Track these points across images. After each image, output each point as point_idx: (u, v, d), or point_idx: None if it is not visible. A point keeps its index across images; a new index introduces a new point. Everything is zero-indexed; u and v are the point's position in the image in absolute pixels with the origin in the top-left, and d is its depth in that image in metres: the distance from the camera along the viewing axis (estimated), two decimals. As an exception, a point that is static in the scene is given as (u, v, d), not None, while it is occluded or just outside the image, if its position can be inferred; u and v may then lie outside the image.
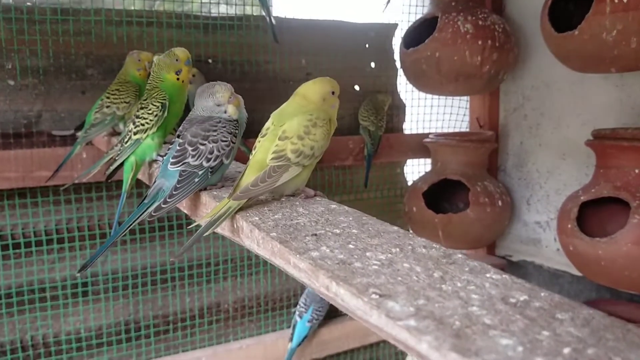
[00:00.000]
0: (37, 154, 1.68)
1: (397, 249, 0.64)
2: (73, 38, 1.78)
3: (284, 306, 2.22)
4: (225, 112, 1.01)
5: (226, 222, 0.83)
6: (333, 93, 0.94)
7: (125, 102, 1.51)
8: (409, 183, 2.41)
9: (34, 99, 1.75)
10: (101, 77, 1.84)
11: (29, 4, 1.72)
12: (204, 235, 0.79)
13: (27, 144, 1.75)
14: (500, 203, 2.09)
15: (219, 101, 1.01)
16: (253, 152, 0.91)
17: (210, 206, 0.93)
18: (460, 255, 0.63)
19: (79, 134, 1.62)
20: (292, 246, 0.66)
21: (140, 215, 0.93)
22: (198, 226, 0.89)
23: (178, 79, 1.22)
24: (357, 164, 2.22)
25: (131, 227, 0.93)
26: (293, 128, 0.88)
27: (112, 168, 1.21)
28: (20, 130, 1.74)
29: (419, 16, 2.24)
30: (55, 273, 1.81)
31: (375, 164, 2.25)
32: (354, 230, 0.72)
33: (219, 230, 0.85)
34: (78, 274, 0.97)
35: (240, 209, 0.84)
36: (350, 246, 0.66)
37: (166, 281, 1.98)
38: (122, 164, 1.21)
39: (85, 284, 1.85)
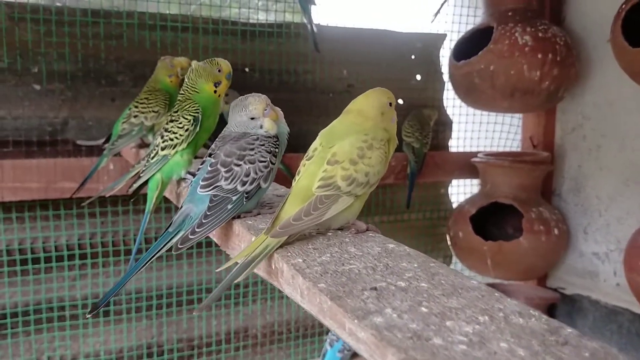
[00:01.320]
0: (61, 164, 1.58)
1: (486, 317, 0.49)
2: (104, 42, 1.68)
3: (316, 333, 2.07)
4: (261, 127, 0.87)
5: (262, 261, 0.70)
6: (390, 105, 0.80)
7: (154, 111, 1.39)
8: (454, 205, 2.25)
9: (60, 105, 1.66)
10: (132, 83, 1.74)
11: (58, 4, 1.63)
12: (236, 282, 0.66)
13: (51, 153, 1.65)
14: (556, 231, 1.91)
15: (252, 114, 0.87)
16: (296, 177, 0.77)
17: (243, 238, 0.79)
18: (570, 330, 0.48)
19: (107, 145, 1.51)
20: (348, 305, 0.52)
21: (164, 246, 0.80)
22: (229, 265, 0.75)
23: (215, 91, 1.09)
24: (398, 183, 2.06)
25: (152, 260, 0.80)
26: (345, 150, 0.74)
27: (135, 186, 1.09)
28: (45, 138, 1.65)
29: (469, 27, 2.09)
30: (76, 291, 1.71)
31: (418, 184, 2.10)
32: (422, 284, 0.58)
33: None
34: (89, 316, 0.84)
35: (280, 246, 0.70)
36: (423, 309, 0.51)
37: (192, 302, 1.85)
38: (147, 182, 1.08)
39: (107, 304, 1.74)
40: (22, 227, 1.63)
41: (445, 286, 0.57)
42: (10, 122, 1.61)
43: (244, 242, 0.78)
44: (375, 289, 0.56)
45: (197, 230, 0.77)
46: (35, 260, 1.65)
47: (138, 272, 0.81)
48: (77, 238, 1.69)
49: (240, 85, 1.72)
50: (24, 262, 1.64)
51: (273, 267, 0.69)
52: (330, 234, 0.76)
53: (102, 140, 1.59)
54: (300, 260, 0.65)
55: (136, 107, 1.41)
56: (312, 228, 0.74)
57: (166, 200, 1.46)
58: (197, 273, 1.84)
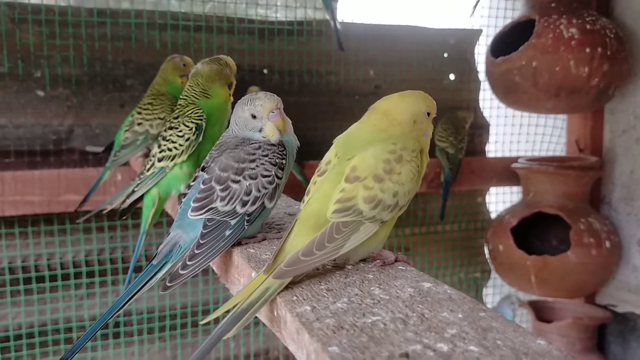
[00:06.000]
0: (65, 175, 1.47)
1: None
2: (111, 43, 1.57)
3: (343, 354, 1.91)
4: (260, 130, 0.72)
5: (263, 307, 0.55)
6: (428, 115, 0.64)
7: (159, 118, 1.26)
8: (492, 215, 2.07)
9: (65, 112, 1.55)
10: (142, 88, 1.62)
11: (62, 4, 1.52)
12: (226, 338, 0.52)
13: (56, 163, 1.54)
14: (608, 244, 1.72)
15: (255, 111, 0.71)
16: (306, 198, 0.62)
17: (243, 271, 0.65)
18: None
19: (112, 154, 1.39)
20: (368, 386, 0.37)
21: (146, 283, 0.66)
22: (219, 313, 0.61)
23: (230, 94, 0.98)
24: (431, 192, 1.90)
25: (130, 301, 0.66)
26: (367, 163, 0.59)
27: (128, 201, 0.96)
28: (49, 147, 1.54)
29: (507, 21, 1.91)
30: (83, 311, 1.59)
31: (453, 192, 1.93)
32: (472, 347, 0.42)
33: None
34: None
35: (284, 287, 0.55)
36: (476, 395, 0.36)
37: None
38: (142, 197, 0.95)
39: (117, 325, 1.62)
40: (26, 243, 1.53)
41: (504, 350, 0.42)
42: (12, 130, 1.51)
43: (243, 276, 0.64)
44: (407, 355, 0.41)
45: (188, 263, 0.63)
46: (40, 279, 1.54)
47: (114, 315, 0.66)
48: (84, 254, 1.58)
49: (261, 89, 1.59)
50: (27, 280, 1.53)
51: (275, 313, 0.54)
52: (349, 267, 0.61)
53: (102, 148, 1.48)
54: (309, 308, 0.50)
55: (139, 113, 1.29)
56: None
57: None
58: (213, 290, 1.71)
